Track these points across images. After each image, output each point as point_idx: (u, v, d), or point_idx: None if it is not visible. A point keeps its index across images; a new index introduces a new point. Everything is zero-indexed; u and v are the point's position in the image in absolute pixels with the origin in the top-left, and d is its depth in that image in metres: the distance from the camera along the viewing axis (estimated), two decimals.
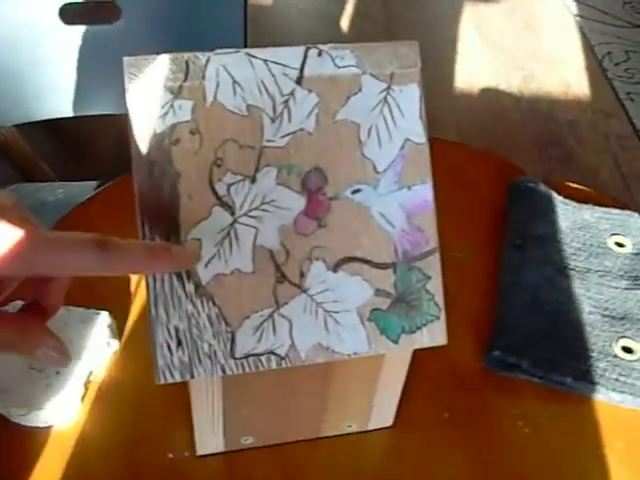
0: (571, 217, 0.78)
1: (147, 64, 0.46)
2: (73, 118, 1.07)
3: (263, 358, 0.48)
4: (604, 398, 0.65)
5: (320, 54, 0.48)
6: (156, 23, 1.03)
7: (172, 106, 0.46)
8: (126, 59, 0.46)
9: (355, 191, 0.49)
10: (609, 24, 2.32)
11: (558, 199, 0.80)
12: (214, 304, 0.47)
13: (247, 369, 0.47)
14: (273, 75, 0.48)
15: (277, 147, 0.48)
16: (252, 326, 0.47)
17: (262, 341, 0.48)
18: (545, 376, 0.65)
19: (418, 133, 0.50)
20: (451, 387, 0.65)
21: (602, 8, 2.39)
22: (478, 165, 0.88)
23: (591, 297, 0.72)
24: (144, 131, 0.46)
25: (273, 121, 0.47)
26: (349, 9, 2.37)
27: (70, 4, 0.98)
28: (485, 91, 2.03)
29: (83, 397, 0.62)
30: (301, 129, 0.48)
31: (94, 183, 1.05)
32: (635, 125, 1.97)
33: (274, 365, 0.48)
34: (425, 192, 0.50)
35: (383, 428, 0.61)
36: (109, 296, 0.68)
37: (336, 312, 0.49)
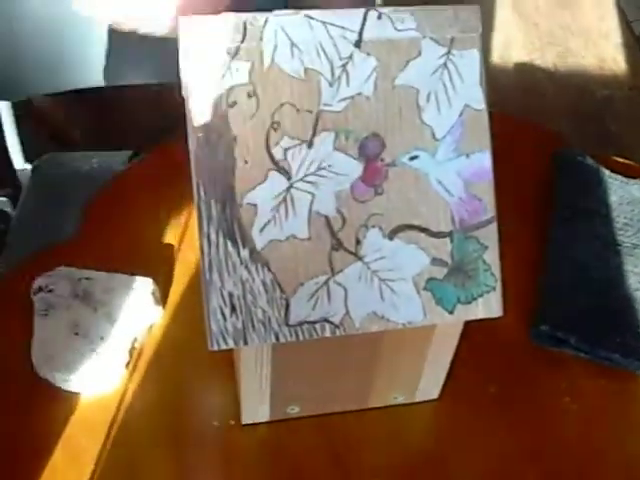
0: (619, 192, 0.77)
1: (203, 24, 0.45)
2: (105, 87, 1.06)
3: (317, 326, 0.47)
4: None
5: (380, 17, 0.47)
6: None
7: (229, 68, 0.45)
8: (182, 18, 0.45)
9: (413, 157, 0.48)
10: None
11: (605, 173, 0.78)
12: (269, 270, 0.46)
13: (301, 337, 0.47)
14: (332, 38, 0.46)
15: (335, 111, 0.47)
16: (307, 293, 0.47)
17: (316, 309, 0.47)
18: (592, 352, 0.64)
19: (478, 99, 0.48)
20: (497, 361, 0.64)
21: None
22: (521, 134, 0.86)
23: (638, 273, 0.70)
24: (200, 93, 0.45)
25: (331, 85, 0.46)
26: None
27: None
28: (520, 66, 2.00)
29: (127, 364, 0.62)
30: (359, 93, 0.47)
31: (127, 152, 1.05)
32: None
33: (328, 333, 0.47)
34: (484, 160, 0.49)
35: (429, 400, 0.61)
36: (152, 263, 0.68)
37: (392, 280, 0.48)
